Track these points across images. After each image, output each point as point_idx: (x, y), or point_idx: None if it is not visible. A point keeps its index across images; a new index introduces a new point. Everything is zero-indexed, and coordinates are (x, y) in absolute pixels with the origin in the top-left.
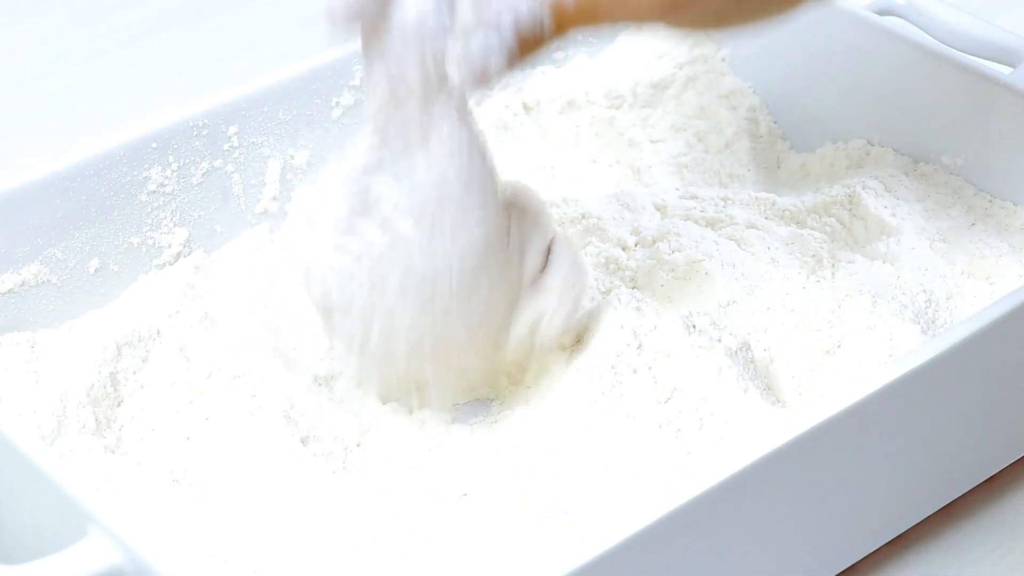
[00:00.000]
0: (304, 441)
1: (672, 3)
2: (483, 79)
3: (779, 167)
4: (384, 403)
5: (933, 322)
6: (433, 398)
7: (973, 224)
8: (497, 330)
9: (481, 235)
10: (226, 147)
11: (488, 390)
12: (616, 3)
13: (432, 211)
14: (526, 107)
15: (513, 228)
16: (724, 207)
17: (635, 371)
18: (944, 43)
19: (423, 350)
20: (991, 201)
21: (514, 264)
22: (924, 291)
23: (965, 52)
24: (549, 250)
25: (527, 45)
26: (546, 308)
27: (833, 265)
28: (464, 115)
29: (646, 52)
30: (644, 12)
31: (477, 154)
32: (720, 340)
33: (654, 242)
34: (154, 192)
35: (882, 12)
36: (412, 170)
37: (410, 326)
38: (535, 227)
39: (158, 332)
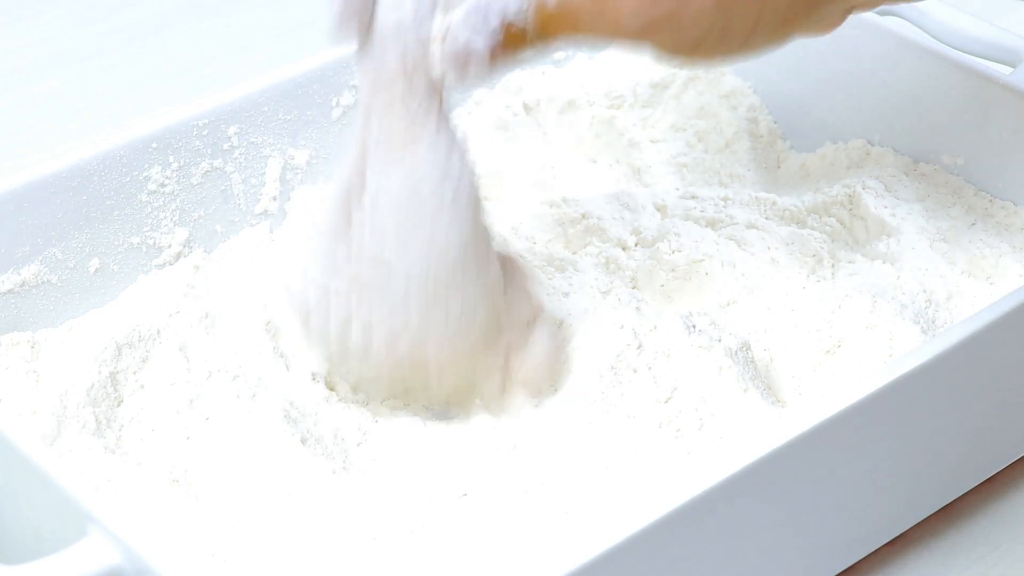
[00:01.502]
0: (304, 441)
1: (650, 24)
2: (464, 67)
3: (779, 167)
4: (381, 401)
5: (933, 322)
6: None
7: (973, 224)
8: (474, 344)
9: (456, 232)
10: (226, 147)
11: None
12: (596, 15)
13: (409, 212)
14: (526, 107)
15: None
16: (724, 207)
17: (635, 371)
18: (944, 43)
19: (397, 357)
20: (991, 201)
21: (494, 278)
22: (924, 291)
23: (965, 52)
24: (532, 324)
25: (510, 41)
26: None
27: (833, 265)
28: (444, 119)
29: None
30: (623, 28)
31: (456, 157)
32: (720, 340)
33: (654, 242)
34: (154, 192)
35: (882, 12)
36: (390, 175)
37: (387, 333)
38: (524, 286)
39: (158, 332)
